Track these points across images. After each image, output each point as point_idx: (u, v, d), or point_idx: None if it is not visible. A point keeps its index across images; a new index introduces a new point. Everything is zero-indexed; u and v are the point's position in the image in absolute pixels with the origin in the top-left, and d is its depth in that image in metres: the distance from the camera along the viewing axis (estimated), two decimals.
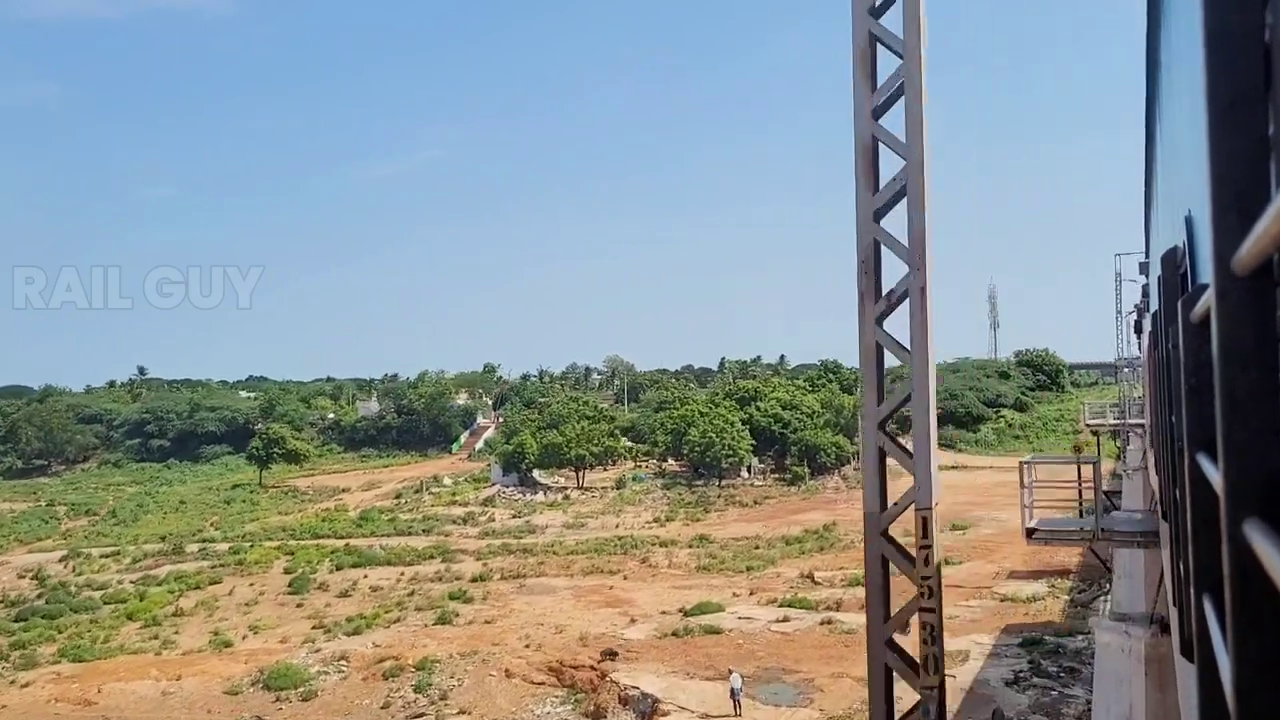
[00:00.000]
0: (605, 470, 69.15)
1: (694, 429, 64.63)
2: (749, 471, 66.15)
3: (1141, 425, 23.74)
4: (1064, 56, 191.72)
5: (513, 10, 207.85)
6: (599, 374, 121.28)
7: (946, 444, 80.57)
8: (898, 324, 6.48)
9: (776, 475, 65.72)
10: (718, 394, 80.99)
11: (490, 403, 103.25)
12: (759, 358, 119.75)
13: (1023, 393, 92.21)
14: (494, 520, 53.27)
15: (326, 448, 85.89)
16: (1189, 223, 2.61)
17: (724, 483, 63.19)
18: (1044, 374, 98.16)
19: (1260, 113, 1.12)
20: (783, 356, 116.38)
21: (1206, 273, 1.37)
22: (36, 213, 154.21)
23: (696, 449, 63.08)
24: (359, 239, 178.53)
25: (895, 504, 6.74)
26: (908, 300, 6.31)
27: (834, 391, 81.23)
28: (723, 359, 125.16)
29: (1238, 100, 1.14)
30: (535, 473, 65.11)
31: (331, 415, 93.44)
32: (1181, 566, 3.72)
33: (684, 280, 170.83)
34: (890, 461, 7.09)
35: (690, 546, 43.50)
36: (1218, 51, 1.16)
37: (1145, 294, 15.66)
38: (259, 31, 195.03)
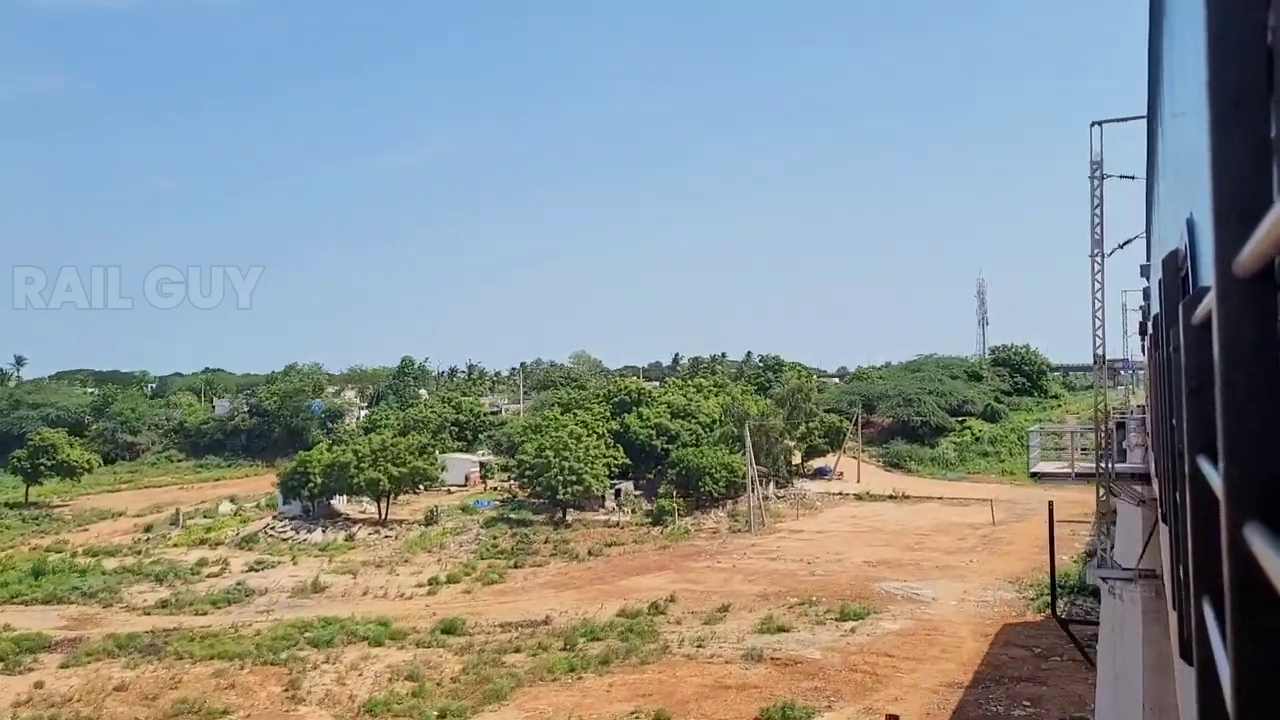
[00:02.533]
0: (449, 494, 59.62)
1: (528, 445, 54.52)
2: (618, 500, 56.48)
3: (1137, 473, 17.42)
4: (1066, 57, 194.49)
5: (513, 10, 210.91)
6: (558, 369, 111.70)
7: (893, 463, 72.33)
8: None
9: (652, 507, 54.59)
10: (591, 398, 69.92)
11: (363, 403, 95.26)
12: (724, 354, 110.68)
13: (996, 398, 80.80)
14: (224, 573, 42.22)
15: (165, 454, 77.50)
16: (1190, 225, 2.63)
17: (575, 517, 52.32)
18: (1023, 375, 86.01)
19: (1262, 115, 1.13)
20: (749, 353, 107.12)
21: (1208, 275, 1.38)
22: (41, 205, 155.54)
23: (529, 471, 51.62)
24: (365, 232, 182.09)
25: None
26: None
27: (743, 395, 70.75)
28: (676, 355, 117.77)
29: (1240, 103, 1.14)
30: (339, 500, 54.85)
31: (178, 415, 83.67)
32: (1181, 569, 3.78)
33: (684, 279, 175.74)
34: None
35: (422, 645, 29.17)
36: (1220, 53, 1.17)
37: (1146, 296, 15.83)
38: (265, 22, 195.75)
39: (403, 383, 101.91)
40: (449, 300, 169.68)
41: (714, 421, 64.15)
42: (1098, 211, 20.60)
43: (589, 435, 55.83)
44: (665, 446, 60.67)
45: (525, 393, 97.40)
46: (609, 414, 64.69)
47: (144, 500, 62.95)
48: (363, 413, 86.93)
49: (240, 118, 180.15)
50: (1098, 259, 20.36)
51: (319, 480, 51.90)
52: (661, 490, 56.01)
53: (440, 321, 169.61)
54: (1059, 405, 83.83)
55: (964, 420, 78.14)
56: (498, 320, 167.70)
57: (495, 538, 48.04)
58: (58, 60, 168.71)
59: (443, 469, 59.43)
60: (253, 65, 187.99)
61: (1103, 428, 16.17)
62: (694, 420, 65.14)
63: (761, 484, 60.70)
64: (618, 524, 51.05)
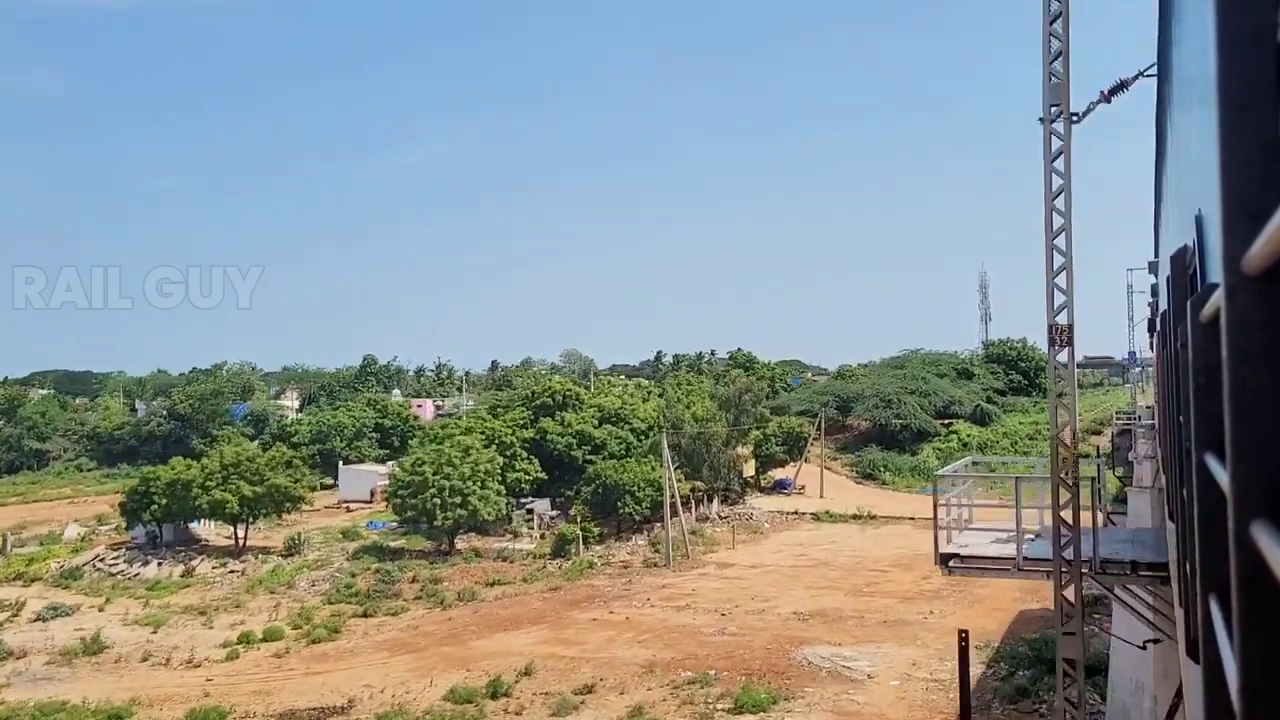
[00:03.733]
0: (349, 511, 61.41)
1: (404, 463, 55.59)
2: (531, 522, 57.22)
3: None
4: (1075, 54, 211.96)
5: (516, 8, 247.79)
6: (550, 367, 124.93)
7: (867, 474, 74.99)
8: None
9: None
10: (506, 403, 71.81)
11: (296, 404, 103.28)
12: (713, 351, 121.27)
13: (989, 398, 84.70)
14: (9, 621, 42.37)
15: (75, 462, 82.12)
16: (1199, 222, 3.01)
17: (473, 544, 52.57)
18: (1019, 372, 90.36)
19: (1271, 114, 1.36)
20: (738, 349, 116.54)
21: (1216, 273, 1.63)
22: (41, 204, 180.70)
23: (402, 491, 51.85)
24: (364, 231, 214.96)
25: None
26: None
27: (690, 396, 73.10)
28: (659, 352, 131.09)
29: (1249, 101, 1.38)
30: (203, 524, 55.50)
31: (92, 419, 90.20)
32: (1188, 567, 4.31)
33: (685, 279, 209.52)
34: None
35: None
36: (1230, 52, 1.41)
37: (1155, 293, 17.56)
38: (266, 22, 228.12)
39: (365, 382, 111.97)
40: (447, 300, 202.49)
41: (650, 428, 64.66)
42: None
43: (482, 448, 55.42)
44: (588, 458, 60.89)
45: (495, 394, 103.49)
46: (530, 419, 65.03)
47: (18, 516, 64.04)
48: (295, 415, 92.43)
49: (240, 117, 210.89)
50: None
51: (162, 502, 51.72)
52: (574, 511, 55.99)
53: (438, 321, 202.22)
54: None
55: (950, 424, 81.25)
56: (495, 320, 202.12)
57: (355, 575, 47.88)
58: (58, 59, 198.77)
59: (312, 489, 59.51)
60: (253, 64, 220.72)
61: (1070, 459, 14.08)
62: (626, 426, 65.60)
63: (704, 502, 61.38)
64: (510, 557, 50.72)
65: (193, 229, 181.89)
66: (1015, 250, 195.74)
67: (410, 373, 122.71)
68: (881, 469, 75.35)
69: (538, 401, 67.70)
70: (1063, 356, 13.25)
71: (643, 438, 63.78)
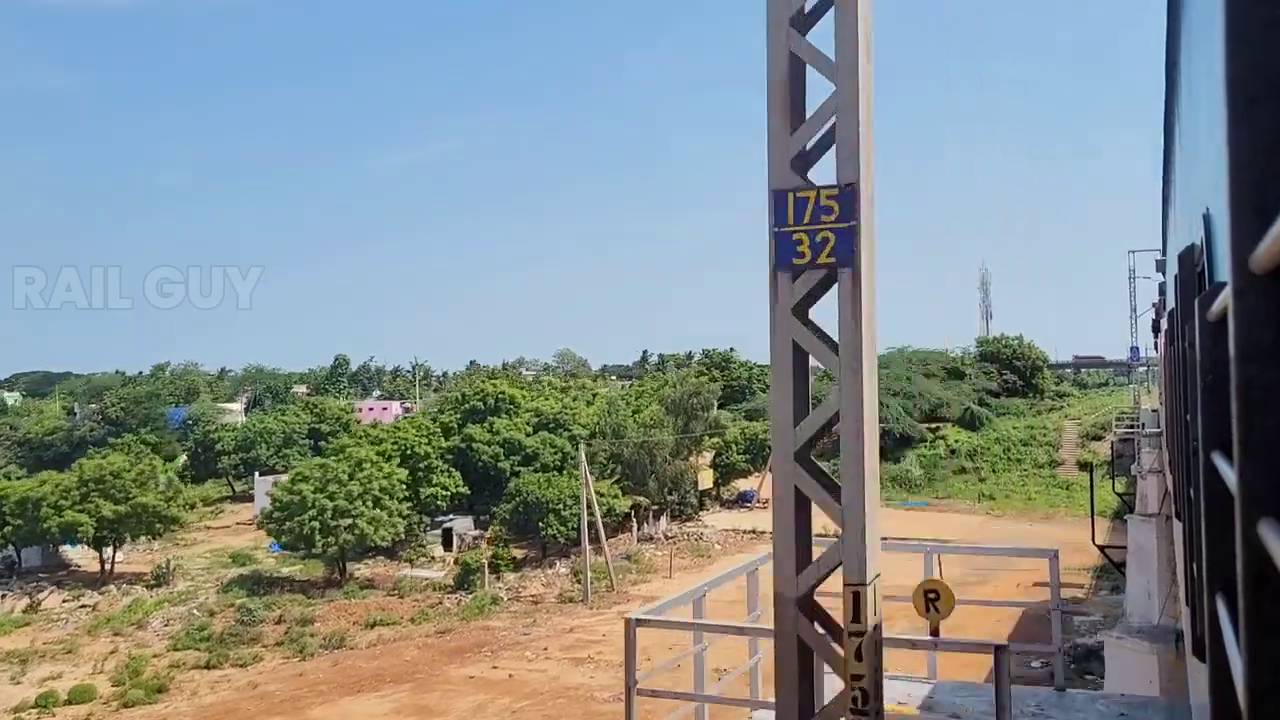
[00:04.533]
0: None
1: (283, 480, 55.45)
2: (451, 545, 57.36)
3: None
4: (1082, 51, 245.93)
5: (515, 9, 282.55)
6: (541, 368, 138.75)
7: (834, 486, 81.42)
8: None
9: (503, 555, 53.99)
10: (436, 410, 72.66)
11: (242, 408, 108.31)
12: (705, 352, 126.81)
13: (980, 400, 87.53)
14: None
15: (3, 470, 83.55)
16: (1207, 220, 3.31)
17: (376, 571, 52.34)
18: (1014, 372, 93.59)
19: None
20: (731, 348, 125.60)
21: (1224, 271, 1.83)
22: (47, 202, 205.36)
23: (278, 512, 51.26)
24: (361, 231, 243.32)
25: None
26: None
27: (641, 398, 74.97)
28: (644, 351, 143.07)
29: (1257, 98, 1.56)
30: (79, 548, 55.35)
31: (25, 424, 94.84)
32: (1195, 566, 4.73)
33: (683, 278, 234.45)
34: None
35: None
36: (1238, 49, 1.59)
37: (1162, 291, 18.99)
38: (271, 21, 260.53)
39: (336, 383, 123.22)
40: (444, 300, 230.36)
41: (592, 435, 65.14)
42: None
43: (383, 460, 54.94)
44: (517, 469, 61.11)
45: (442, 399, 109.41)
46: (457, 424, 65.47)
47: None
48: (242, 420, 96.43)
49: (241, 117, 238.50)
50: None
51: (16, 523, 51.08)
52: (489, 533, 56.21)
53: (434, 321, 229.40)
54: (1058, 409, 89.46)
55: (937, 428, 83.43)
56: (493, 320, 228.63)
57: (214, 613, 46.74)
58: (68, 57, 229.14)
59: (190, 506, 60.33)
60: (254, 64, 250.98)
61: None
62: (564, 434, 66.04)
63: (649, 520, 61.91)
64: (407, 588, 49.64)
65: (196, 227, 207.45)
66: (1016, 246, 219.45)
67: (387, 373, 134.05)
68: None
69: (467, 405, 67.83)
70: None
71: (581, 445, 63.86)
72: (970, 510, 71.34)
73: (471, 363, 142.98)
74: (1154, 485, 26.35)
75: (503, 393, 69.74)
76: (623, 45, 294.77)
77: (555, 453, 63.36)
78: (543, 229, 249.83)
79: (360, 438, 62.57)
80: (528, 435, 64.61)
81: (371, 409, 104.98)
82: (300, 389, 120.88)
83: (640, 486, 61.62)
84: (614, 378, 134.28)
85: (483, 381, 77.73)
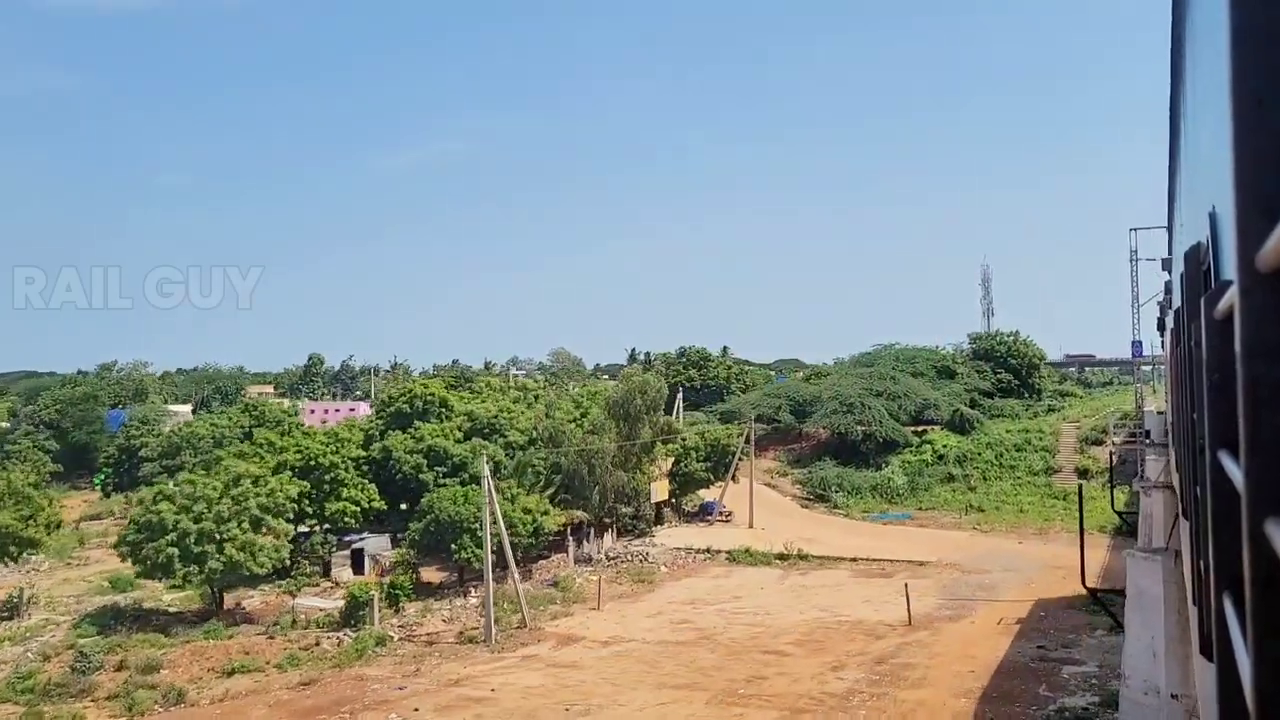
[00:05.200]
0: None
1: (145, 497, 54.65)
2: (363, 568, 57.38)
3: None
4: (1088, 53, 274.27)
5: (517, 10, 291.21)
6: (526, 368, 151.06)
7: (818, 494, 79.12)
8: None
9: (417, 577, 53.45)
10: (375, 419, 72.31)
11: (190, 410, 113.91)
12: (692, 346, 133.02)
13: (972, 400, 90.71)
14: None
15: None
16: (1213, 219, 3.63)
17: (265, 600, 52.00)
18: (1009, 370, 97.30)
19: None
20: (725, 348, 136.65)
21: (1230, 269, 2.04)
22: (49, 202, 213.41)
23: (134, 535, 49.89)
24: (361, 231, 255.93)
25: None
26: None
27: (589, 399, 75.95)
28: (632, 349, 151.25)
29: (1264, 97, 1.76)
30: None
31: None
32: (1202, 564, 5.14)
33: (684, 277, 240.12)
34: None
35: None
36: (1244, 48, 1.80)
37: (1168, 290, 20.41)
38: (271, 21, 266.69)
39: (310, 383, 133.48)
40: (442, 299, 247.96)
41: (530, 441, 65.81)
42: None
43: (262, 477, 53.60)
44: (442, 481, 60.92)
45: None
46: (379, 431, 65.82)
47: None
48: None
49: (240, 117, 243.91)
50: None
51: None
52: (395, 556, 55.65)
53: (434, 321, 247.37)
54: (1058, 410, 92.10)
55: (924, 431, 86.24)
56: (491, 319, 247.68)
57: (49, 656, 44.76)
58: (70, 58, 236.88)
59: (56, 525, 58.68)
60: (254, 64, 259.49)
61: None
62: (500, 440, 66.54)
63: (589, 538, 61.97)
64: (288, 623, 47.89)
65: (196, 227, 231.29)
66: (1025, 237, 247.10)
67: (366, 373, 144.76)
68: (835, 488, 78.60)
69: (392, 408, 68.13)
70: None
71: (516, 453, 64.45)
72: (956, 523, 72.19)
73: (454, 362, 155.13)
74: (1160, 505, 25.46)
75: (431, 394, 69.67)
76: (623, 45, 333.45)
77: (485, 462, 62.94)
78: (542, 228, 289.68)
79: (260, 446, 61.97)
80: (457, 443, 64.61)
81: (328, 410, 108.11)
82: (262, 389, 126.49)
83: (581, 500, 61.68)
84: (606, 377, 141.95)
85: (413, 382, 77.97)
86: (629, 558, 61.20)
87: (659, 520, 70.51)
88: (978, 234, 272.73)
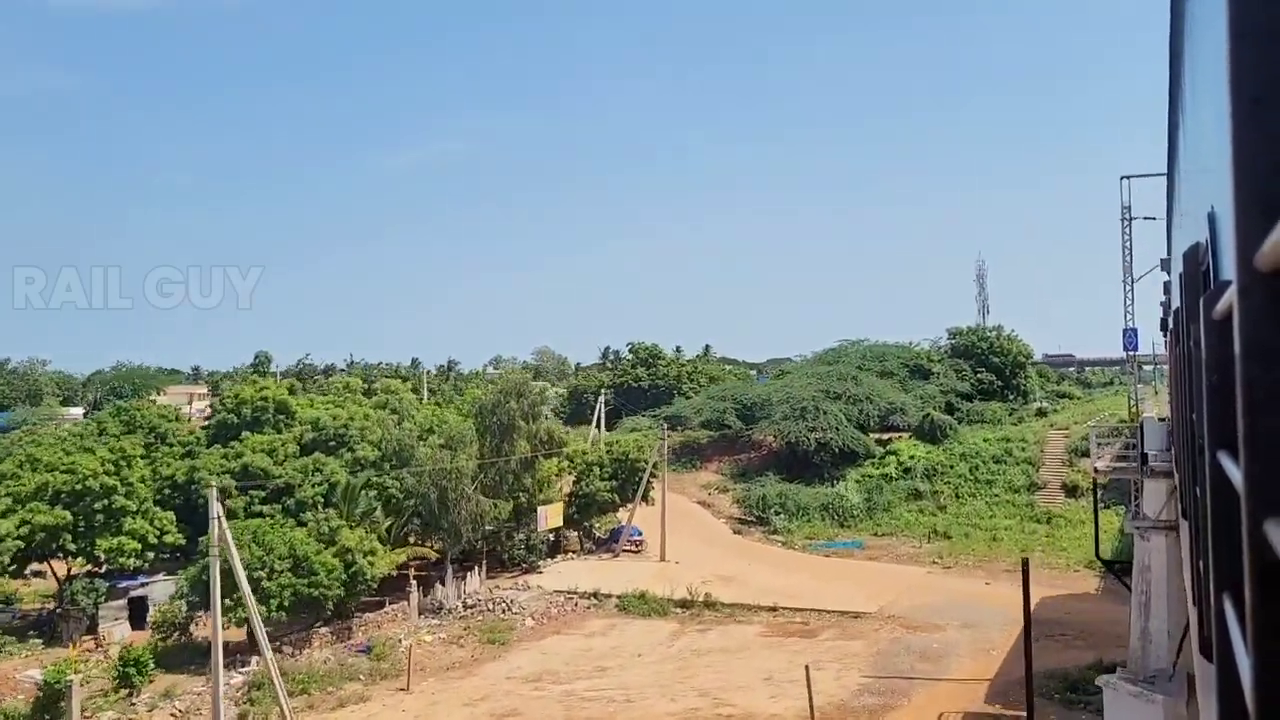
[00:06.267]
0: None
1: None
2: (144, 620, 57.41)
3: None
4: (1089, 53, 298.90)
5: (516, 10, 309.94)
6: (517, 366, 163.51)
7: (756, 517, 79.99)
8: None
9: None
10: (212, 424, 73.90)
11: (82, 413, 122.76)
12: (678, 347, 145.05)
13: (948, 404, 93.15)
14: None
15: None
16: (1211, 219, 4.17)
17: (28, 652, 51.65)
18: (990, 369, 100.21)
19: None
20: (708, 347, 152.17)
21: (1229, 269, 2.40)
22: (49, 201, 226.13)
23: None
24: (360, 231, 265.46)
25: None
26: None
27: (443, 406, 78.23)
28: (606, 348, 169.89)
29: (1262, 97, 2.10)
30: None
31: None
32: (1201, 565, 5.92)
33: (682, 276, 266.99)
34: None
35: None
36: (1242, 48, 2.15)
37: (1167, 291, 23.03)
38: (271, 21, 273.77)
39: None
40: (440, 299, 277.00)
41: (383, 456, 66.01)
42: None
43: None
44: (257, 508, 60.95)
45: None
46: (204, 441, 65.29)
47: None
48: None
49: (240, 117, 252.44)
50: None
51: None
52: (154, 616, 54.12)
53: (433, 320, 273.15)
54: (1048, 415, 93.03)
55: (888, 440, 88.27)
56: (487, 318, 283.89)
57: None
58: (70, 58, 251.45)
59: None
60: (254, 64, 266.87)
61: None
62: (348, 455, 66.48)
63: (447, 580, 60.63)
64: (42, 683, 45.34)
65: (196, 227, 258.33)
66: (1017, 242, 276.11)
67: (330, 371, 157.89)
68: (775, 509, 79.25)
69: (217, 418, 68.36)
70: None
71: (371, 472, 63.57)
72: (915, 554, 71.87)
73: (414, 360, 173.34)
74: (1162, 554, 22.47)
75: (264, 399, 69.35)
76: (623, 45, 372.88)
77: (319, 487, 62.31)
78: (542, 228, 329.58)
79: (23, 464, 60.34)
80: (286, 460, 64.00)
81: None
82: (195, 390, 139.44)
83: (437, 530, 61.54)
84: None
85: (245, 385, 76.82)
86: (491, 606, 59.85)
87: (557, 550, 70.85)
88: (978, 233, 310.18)
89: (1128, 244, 53.61)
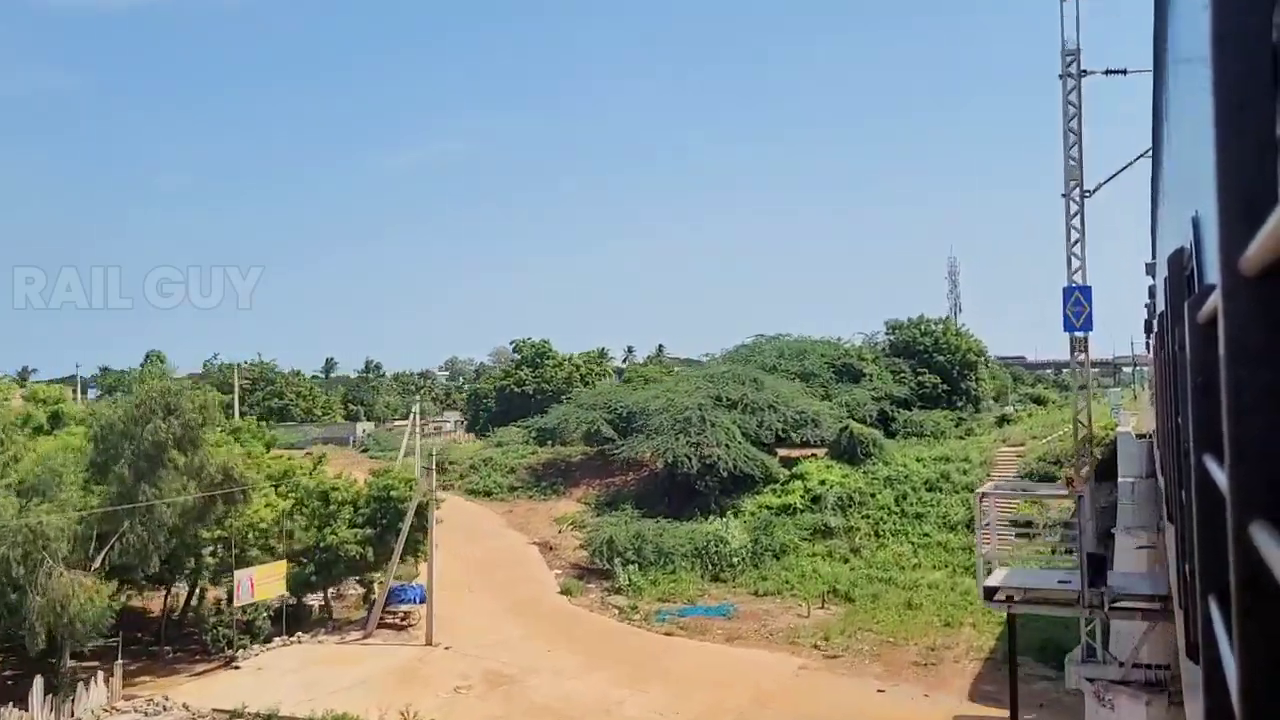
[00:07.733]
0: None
1: None
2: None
3: None
4: (1089, 53, 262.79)
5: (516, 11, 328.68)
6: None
7: (600, 569, 63.40)
8: None
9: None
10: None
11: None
12: (661, 348, 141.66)
13: (880, 413, 79.04)
14: None
15: None
16: (1196, 223, 4.21)
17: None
18: (934, 371, 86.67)
19: (1268, 114, 2.03)
20: (660, 347, 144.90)
21: (1213, 273, 2.44)
22: (49, 201, 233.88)
23: None
24: (361, 231, 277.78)
25: None
26: None
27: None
28: (601, 349, 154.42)
29: (1246, 102, 2.11)
30: None
31: None
32: (1187, 569, 6.08)
33: (682, 275, 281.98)
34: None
35: None
36: (1226, 53, 2.16)
37: (1151, 295, 23.53)
38: (271, 21, 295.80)
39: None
40: (441, 298, 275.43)
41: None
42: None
43: None
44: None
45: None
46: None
47: None
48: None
49: (240, 117, 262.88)
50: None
51: None
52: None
53: (433, 320, 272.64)
54: (1003, 426, 79.39)
55: (797, 462, 72.94)
56: (487, 318, 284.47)
57: None
58: (70, 58, 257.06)
59: None
60: (254, 64, 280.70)
61: None
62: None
63: (64, 690, 43.74)
64: None
65: (196, 227, 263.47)
66: (987, 237, 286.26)
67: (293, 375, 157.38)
68: (622, 558, 64.23)
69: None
70: None
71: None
72: (797, 627, 54.53)
73: (327, 360, 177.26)
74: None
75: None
76: (623, 45, 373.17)
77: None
78: (542, 228, 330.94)
79: None
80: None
81: None
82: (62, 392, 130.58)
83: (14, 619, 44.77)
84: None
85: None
86: None
87: (299, 623, 57.03)
88: (978, 233, 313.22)
89: (1074, 120, 33.82)
